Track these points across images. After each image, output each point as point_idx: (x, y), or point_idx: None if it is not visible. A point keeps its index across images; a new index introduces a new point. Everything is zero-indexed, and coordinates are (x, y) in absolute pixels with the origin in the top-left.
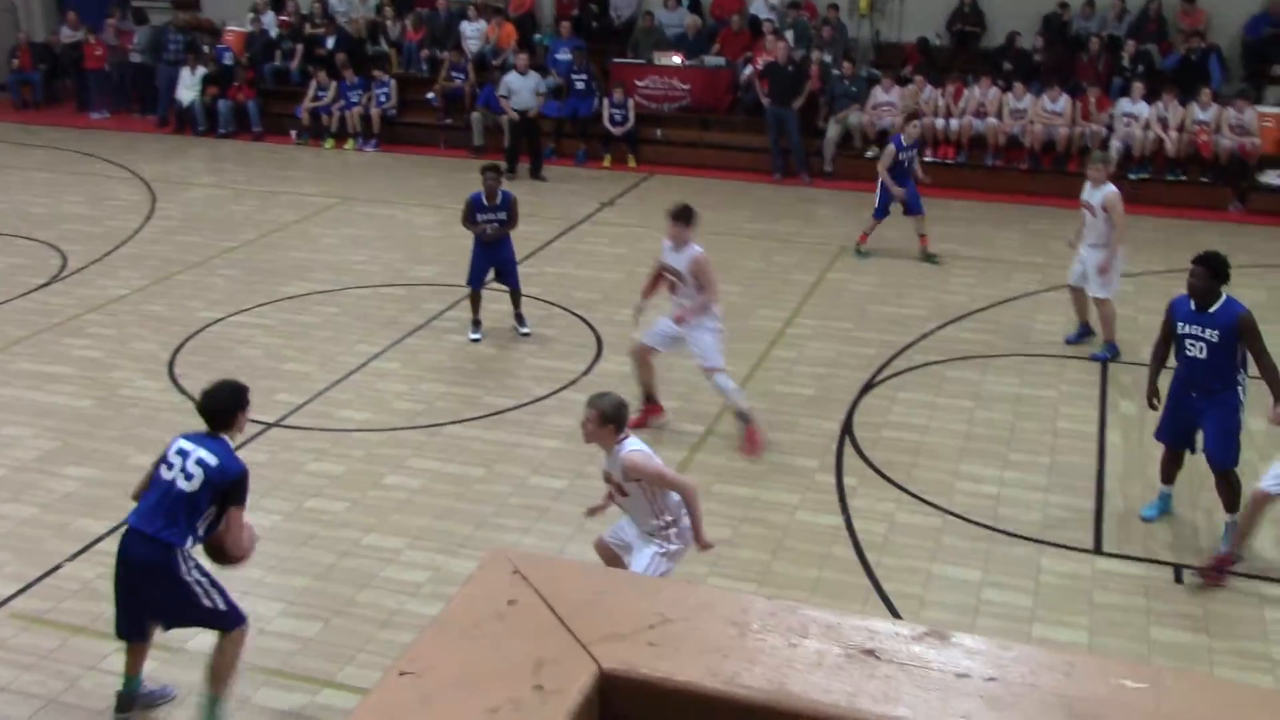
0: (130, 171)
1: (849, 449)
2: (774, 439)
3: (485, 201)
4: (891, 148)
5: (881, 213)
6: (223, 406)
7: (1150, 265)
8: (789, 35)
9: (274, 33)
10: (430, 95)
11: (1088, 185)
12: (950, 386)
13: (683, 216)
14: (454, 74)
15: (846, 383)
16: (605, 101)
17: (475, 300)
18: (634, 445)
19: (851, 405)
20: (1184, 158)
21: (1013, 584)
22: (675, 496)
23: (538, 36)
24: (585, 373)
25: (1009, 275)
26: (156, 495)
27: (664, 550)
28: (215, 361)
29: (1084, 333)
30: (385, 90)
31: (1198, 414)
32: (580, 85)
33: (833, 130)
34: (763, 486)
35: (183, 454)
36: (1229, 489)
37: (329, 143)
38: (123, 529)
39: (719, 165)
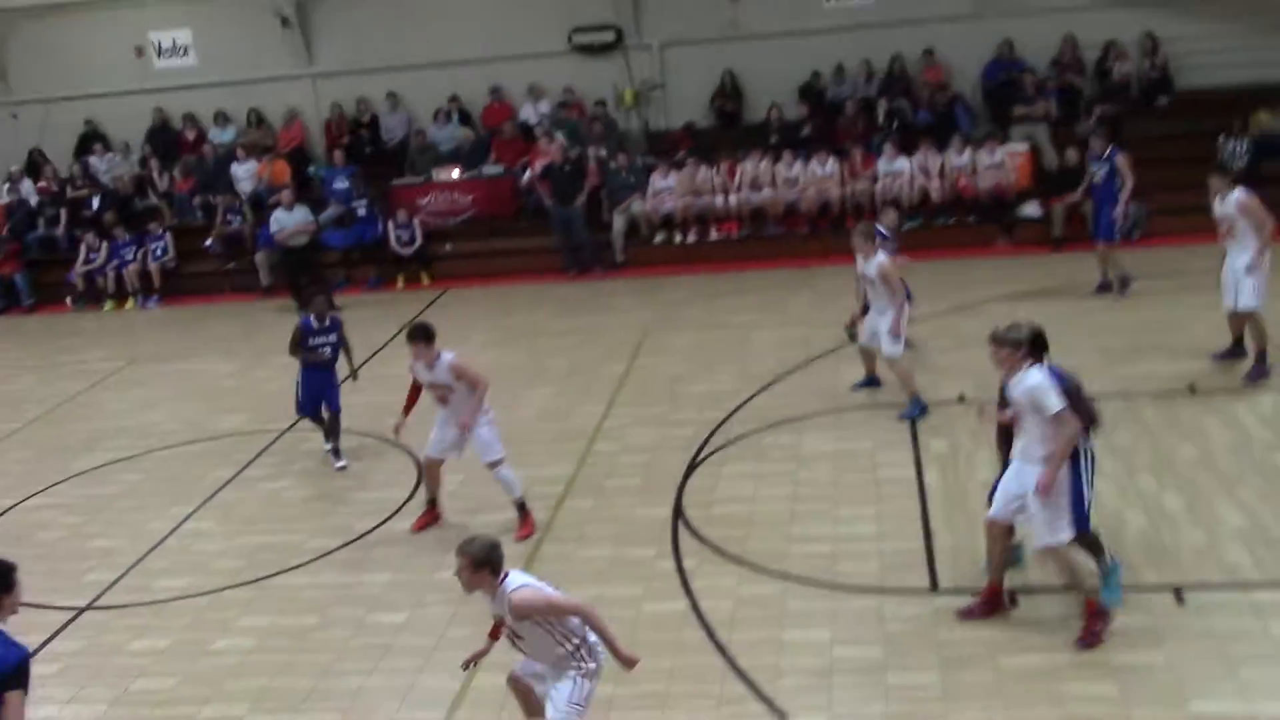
0: None
1: (683, 531)
2: (608, 534)
3: (315, 325)
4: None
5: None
6: None
7: (936, 306)
8: (561, 136)
9: (34, 200)
10: (208, 242)
11: (859, 259)
12: (771, 453)
13: (421, 335)
14: (230, 217)
15: (671, 466)
16: (390, 223)
17: (317, 424)
18: (517, 582)
19: (679, 487)
20: (949, 202)
21: (861, 637)
22: (574, 619)
23: (312, 169)
24: (408, 500)
25: (808, 336)
26: None
27: (582, 671)
28: (14, 550)
29: (870, 383)
30: (161, 243)
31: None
32: (362, 211)
33: (618, 221)
34: (605, 583)
35: None
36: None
37: (109, 305)
38: None
39: (513, 270)
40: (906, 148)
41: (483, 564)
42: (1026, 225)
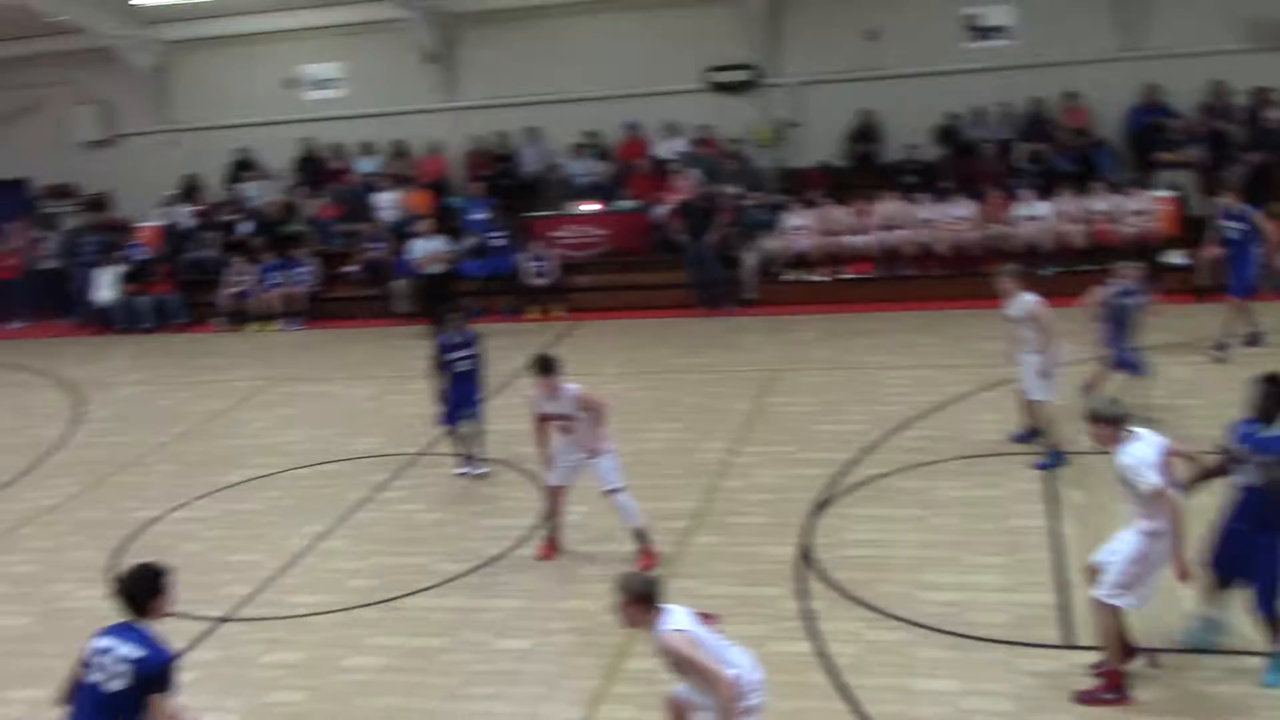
0: (53, 377)
1: (810, 572)
2: (734, 571)
3: (452, 340)
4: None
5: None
6: (138, 591)
7: (1076, 355)
8: (695, 172)
9: (188, 224)
10: (350, 268)
11: (1005, 302)
12: (900, 497)
13: (546, 367)
14: (371, 245)
15: (798, 506)
16: (525, 255)
17: (455, 437)
18: (672, 624)
19: (807, 528)
20: (1090, 248)
21: (991, 689)
22: (732, 657)
23: (451, 200)
24: (535, 527)
25: (940, 379)
26: (85, 701)
27: (740, 712)
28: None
29: (1028, 436)
30: (305, 269)
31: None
32: (498, 242)
33: (750, 259)
34: (729, 622)
35: (103, 652)
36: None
37: (254, 326)
38: None
39: (643, 304)
40: (1046, 192)
41: (641, 599)
42: (1172, 274)
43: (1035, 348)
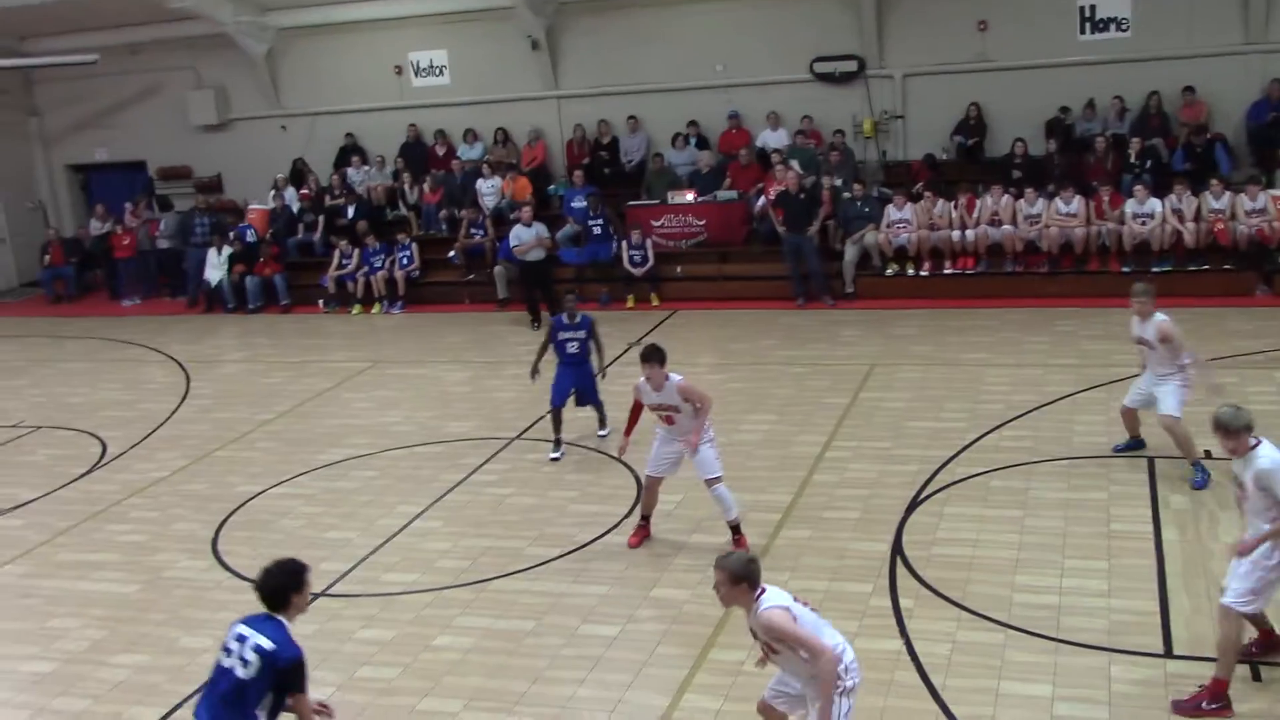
0: (164, 354)
1: (901, 569)
2: (824, 565)
3: (566, 321)
4: None
5: None
6: (278, 586)
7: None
8: (796, 164)
9: (295, 207)
10: (451, 254)
11: (1135, 320)
12: (997, 497)
13: (654, 357)
14: (473, 231)
15: (891, 502)
16: (624, 244)
17: (556, 419)
18: (771, 601)
19: (899, 524)
20: (1204, 247)
21: (1085, 696)
22: (829, 632)
23: (551, 188)
24: (626, 515)
25: (1043, 379)
26: (217, 682)
27: (840, 689)
28: (258, 535)
29: (1134, 445)
30: (407, 253)
31: None
32: (597, 230)
33: (850, 252)
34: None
35: (240, 639)
36: None
37: (356, 309)
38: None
39: (741, 296)
40: (1159, 189)
41: (740, 579)
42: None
43: (1170, 368)
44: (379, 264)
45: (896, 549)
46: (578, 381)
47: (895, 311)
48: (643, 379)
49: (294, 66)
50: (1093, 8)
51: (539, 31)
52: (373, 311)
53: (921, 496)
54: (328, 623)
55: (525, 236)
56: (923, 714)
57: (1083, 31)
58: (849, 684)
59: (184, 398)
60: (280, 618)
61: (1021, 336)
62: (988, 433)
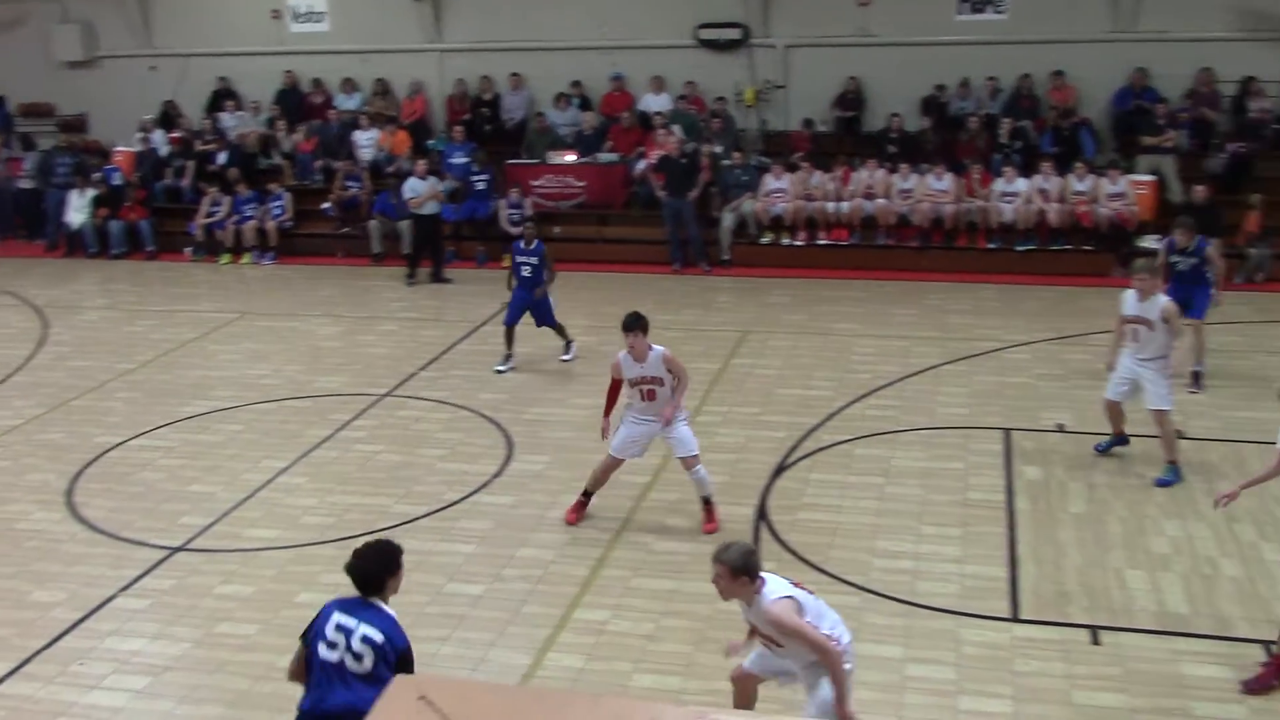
0: (19, 298)
1: (765, 533)
2: (690, 528)
3: (524, 246)
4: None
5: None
6: (373, 571)
7: (1045, 334)
8: (678, 129)
9: (164, 151)
10: (326, 205)
11: (1131, 298)
12: (860, 464)
13: (637, 325)
14: (349, 183)
15: (758, 467)
16: (502, 202)
17: (509, 336)
18: (775, 592)
19: (765, 489)
20: (1067, 228)
21: (935, 658)
22: (829, 617)
23: (431, 142)
24: (497, 474)
25: (909, 351)
26: (326, 674)
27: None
28: (116, 488)
29: (1119, 442)
30: (280, 203)
31: None
32: (481, 186)
33: (728, 219)
34: (683, 578)
35: (344, 631)
36: None
37: (225, 258)
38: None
39: (619, 259)
40: (1027, 169)
41: (740, 571)
42: (1145, 258)
43: (1160, 352)
44: (250, 213)
45: (761, 514)
46: (533, 304)
47: (769, 280)
48: (623, 352)
49: (167, 4)
50: None
51: None
52: (242, 261)
53: (788, 463)
54: (186, 578)
55: (420, 188)
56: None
57: (960, 12)
58: (849, 668)
59: (40, 344)
60: (378, 603)
61: (890, 309)
62: (854, 401)
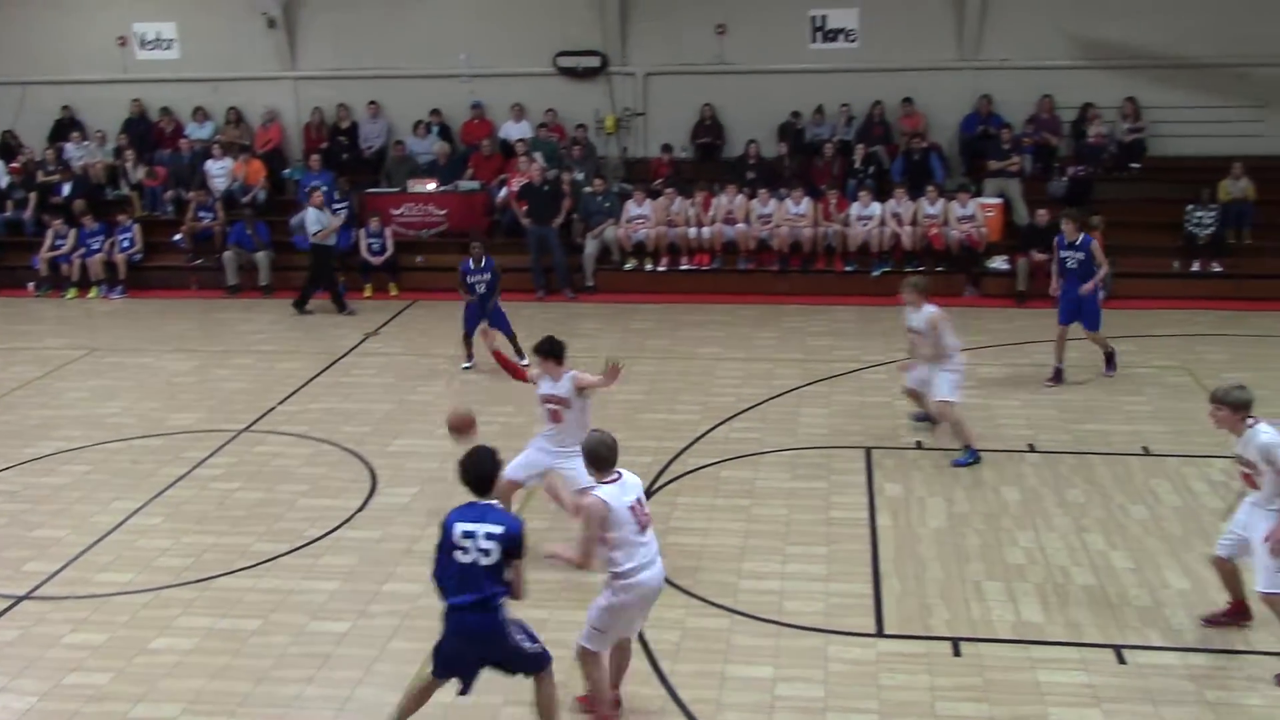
0: None
1: None
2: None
3: (473, 265)
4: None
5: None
6: (484, 472)
7: (902, 353)
8: (540, 156)
9: (4, 182)
10: (177, 237)
11: (908, 311)
12: (726, 487)
13: (554, 352)
14: (201, 214)
15: None
16: (362, 231)
17: (468, 343)
18: (602, 492)
19: None
20: (920, 250)
21: (804, 676)
22: None
23: (287, 171)
24: (360, 508)
25: (771, 373)
26: (466, 575)
27: None
28: None
29: (924, 418)
30: (129, 235)
31: None
32: (342, 214)
33: (591, 246)
34: (554, 606)
35: (469, 535)
36: None
37: (71, 292)
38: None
39: None
40: (881, 194)
41: (592, 461)
42: (994, 278)
43: (939, 353)
44: (97, 245)
45: None
46: (488, 314)
47: (633, 305)
48: (537, 370)
49: (8, 31)
50: (824, 18)
51: (276, 9)
52: (89, 296)
53: (655, 487)
54: (32, 627)
55: (324, 220)
56: (651, 699)
57: (814, 40)
58: (631, 588)
59: None
60: (489, 502)
61: (752, 332)
62: (718, 424)
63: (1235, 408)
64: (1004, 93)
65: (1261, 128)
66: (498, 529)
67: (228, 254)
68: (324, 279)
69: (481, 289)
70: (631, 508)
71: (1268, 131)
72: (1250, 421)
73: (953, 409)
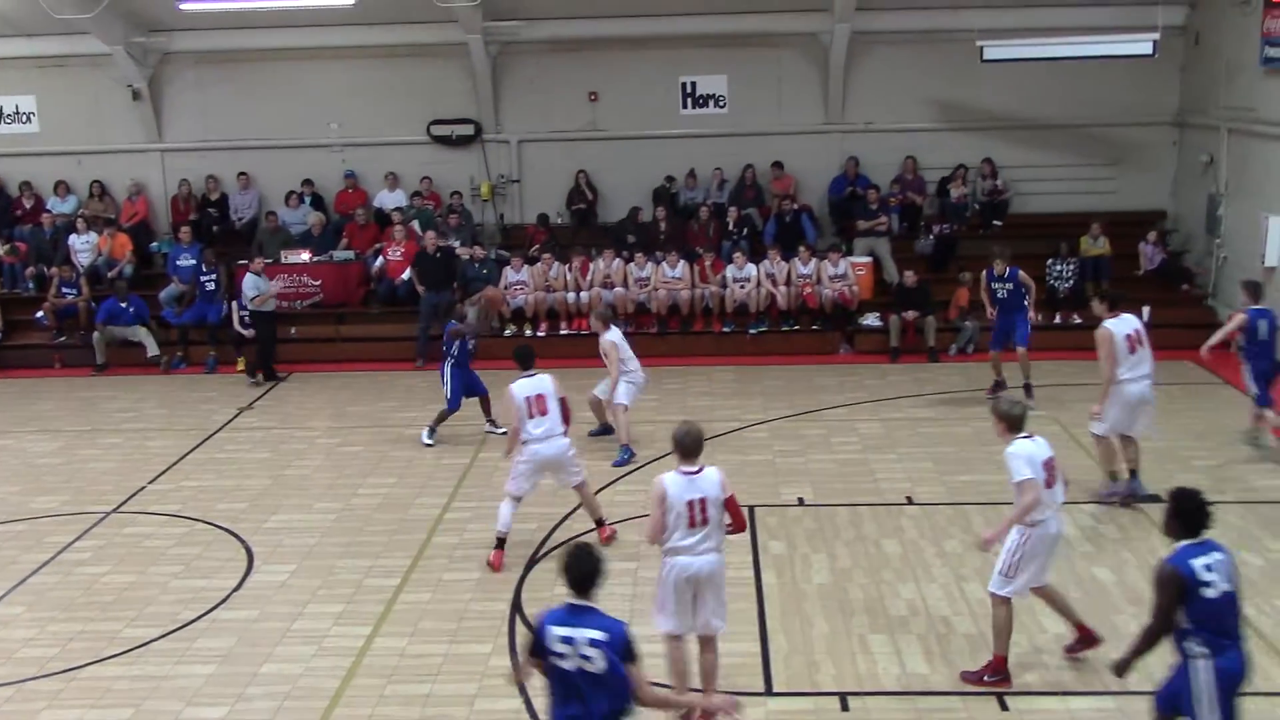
0: None
1: (521, 628)
2: (444, 629)
3: (457, 328)
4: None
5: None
6: (589, 573)
7: (781, 411)
8: (416, 224)
9: None
10: (39, 314)
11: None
12: (612, 550)
13: (526, 360)
14: (65, 290)
15: (511, 560)
16: (234, 304)
17: (446, 417)
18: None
19: (519, 582)
20: (795, 309)
21: None
22: None
23: (155, 245)
24: (236, 588)
25: (653, 435)
26: (574, 685)
27: None
28: None
29: (603, 431)
30: None
31: None
32: (210, 286)
33: (470, 313)
34: (439, 681)
35: (568, 641)
36: None
37: None
38: None
39: (359, 357)
40: (755, 255)
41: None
42: (867, 335)
43: (616, 372)
44: None
45: (516, 607)
46: (470, 380)
47: (513, 372)
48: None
49: None
50: (694, 84)
51: (140, 81)
52: None
53: (540, 554)
54: None
55: (263, 287)
56: None
57: (685, 106)
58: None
59: None
60: (586, 603)
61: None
62: (602, 488)
63: (999, 418)
64: (870, 155)
65: (1114, 185)
66: (600, 634)
67: (96, 334)
68: (271, 344)
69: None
70: (689, 503)
71: (1120, 189)
72: (1012, 436)
73: (620, 410)
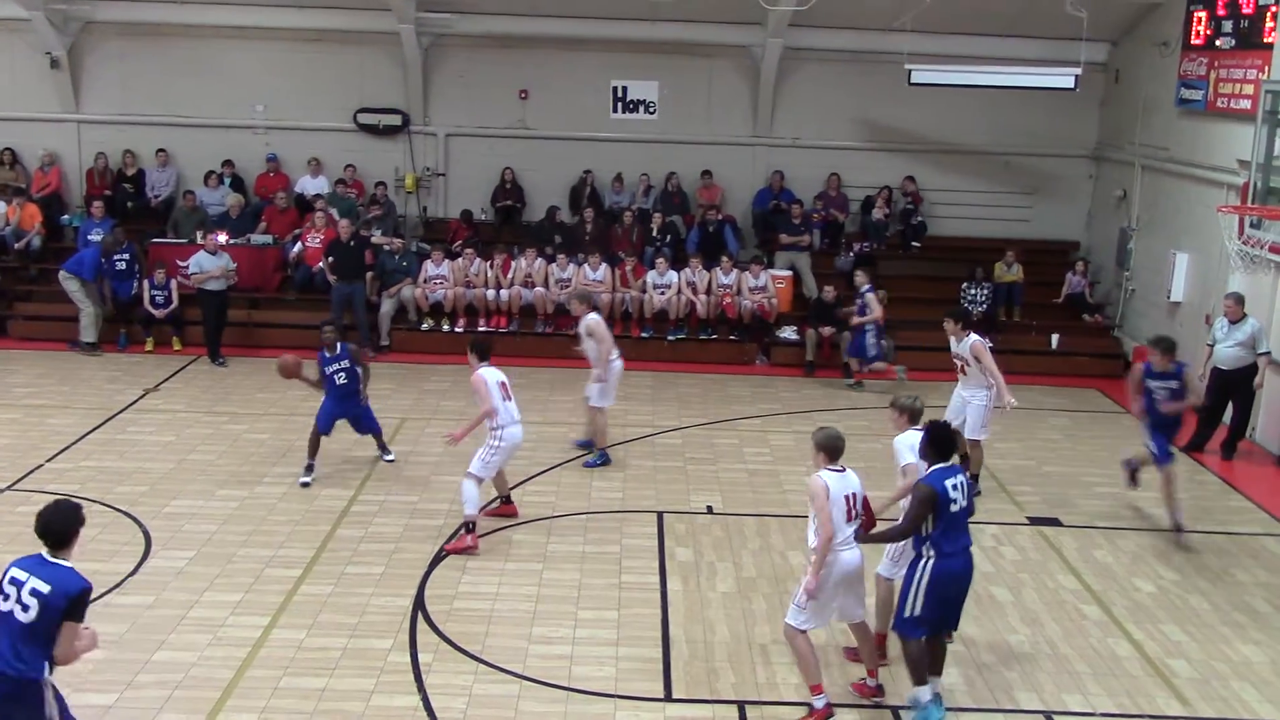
0: None
1: (422, 624)
2: (345, 622)
3: (327, 354)
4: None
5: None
6: (61, 526)
7: (695, 419)
8: (336, 212)
9: None
10: None
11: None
12: (518, 551)
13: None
14: None
15: (416, 556)
16: (146, 283)
17: (315, 443)
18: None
19: (423, 579)
20: (714, 319)
21: None
22: None
23: (66, 218)
24: (132, 573)
25: (566, 437)
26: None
27: None
28: None
29: (586, 444)
30: None
31: None
32: (122, 266)
33: (387, 305)
34: (336, 675)
35: (16, 584)
36: None
37: None
38: None
39: (270, 344)
40: (677, 262)
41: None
42: (784, 348)
43: (607, 352)
44: None
45: (419, 604)
46: (348, 412)
47: (429, 366)
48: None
49: None
50: (625, 89)
51: (60, 49)
52: None
53: (444, 553)
54: None
55: (208, 264)
56: None
57: (615, 110)
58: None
59: None
60: (55, 558)
61: (549, 395)
62: (513, 488)
63: (900, 411)
64: (795, 169)
65: (1029, 213)
66: (46, 586)
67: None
68: (214, 323)
69: (342, 379)
70: (846, 497)
71: (1034, 217)
72: (909, 428)
73: (602, 414)
